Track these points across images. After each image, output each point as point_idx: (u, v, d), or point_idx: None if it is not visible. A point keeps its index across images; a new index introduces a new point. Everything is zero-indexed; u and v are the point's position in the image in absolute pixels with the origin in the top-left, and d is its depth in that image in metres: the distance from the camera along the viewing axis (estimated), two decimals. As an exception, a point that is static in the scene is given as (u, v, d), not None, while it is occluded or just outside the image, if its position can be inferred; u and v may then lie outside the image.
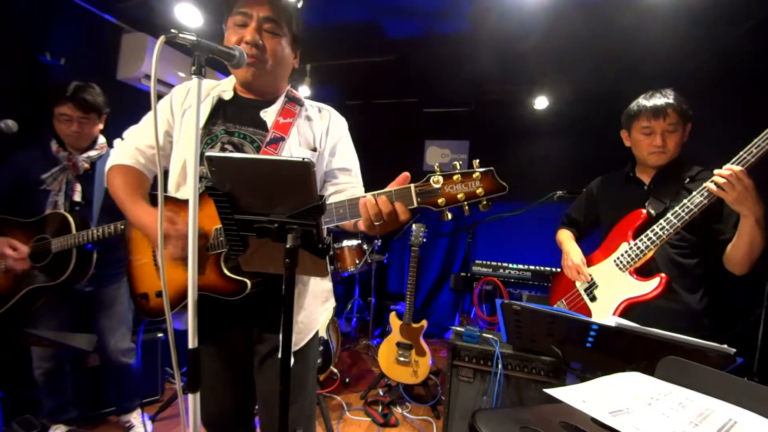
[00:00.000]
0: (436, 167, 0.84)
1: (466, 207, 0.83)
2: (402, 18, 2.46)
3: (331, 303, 1.24)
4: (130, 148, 1.13)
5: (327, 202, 0.90)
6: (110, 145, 1.94)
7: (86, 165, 1.84)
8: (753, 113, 2.06)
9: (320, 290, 1.18)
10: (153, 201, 1.11)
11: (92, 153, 1.86)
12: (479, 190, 0.81)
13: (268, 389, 1.11)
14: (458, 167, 0.83)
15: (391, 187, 0.85)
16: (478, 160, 0.83)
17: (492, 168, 0.81)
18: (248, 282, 0.98)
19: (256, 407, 1.19)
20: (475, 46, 2.60)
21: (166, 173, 1.11)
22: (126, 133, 1.18)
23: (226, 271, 0.98)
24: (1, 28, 2.00)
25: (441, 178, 0.82)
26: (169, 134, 1.12)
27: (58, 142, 1.83)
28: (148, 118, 1.16)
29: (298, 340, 1.11)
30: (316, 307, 1.17)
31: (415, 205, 0.84)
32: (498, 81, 3.29)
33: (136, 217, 1.05)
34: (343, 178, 1.15)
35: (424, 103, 3.91)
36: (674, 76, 2.56)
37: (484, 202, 0.82)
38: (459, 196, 0.82)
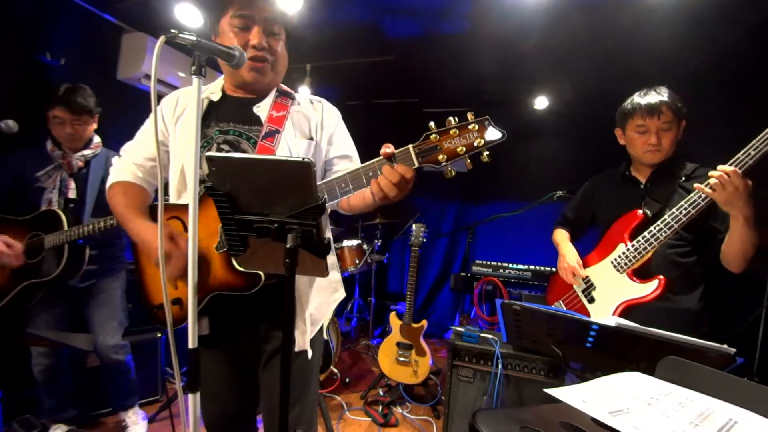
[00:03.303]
0: (431, 125, 0.83)
1: (468, 161, 0.83)
2: (402, 18, 2.46)
3: (341, 294, 1.24)
4: (128, 164, 1.15)
5: (329, 178, 0.91)
6: (105, 144, 1.97)
7: (80, 163, 1.87)
8: (753, 113, 2.06)
9: (328, 281, 1.18)
10: (153, 213, 1.11)
11: (86, 152, 1.89)
12: (478, 141, 0.80)
13: (274, 387, 1.10)
14: (453, 122, 0.82)
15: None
16: (472, 112, 0.82)
17: (488, 117, 0.81)
18: (262, 274, 0.98)
19: (259, 407, 1.19)
20: (475, 46, 2.60)
21: (166, 185, 1.12)
22: (123, 150, 1.19)
23: (238, 267, 0.98)
24: (1, 28, 2.00)
25: (438, 135, 0.82)
26: (164, 144, 1.12)
27: (54, 141, 1.86)
28: (141, 132, 1.18)
29: (311, 331, 1.11)
30: (325, 298, 1.17)
31: (416, 165, 0.83)
32: (498, 81, 3.29)
33: (135, 232, 1.06)
34: (343, 165, 1.15)
35: (424, 103, 3.91)
36: (674, 76, 2.56)
37: (485, 153, 0.81)
38: (459, 149, 0.81)
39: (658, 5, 2.04)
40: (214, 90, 1.13)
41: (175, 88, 2.66)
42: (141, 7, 2.34)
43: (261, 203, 0.75)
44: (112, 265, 2.00)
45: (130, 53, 2.57)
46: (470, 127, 0.81)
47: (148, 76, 2.56)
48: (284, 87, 1.18)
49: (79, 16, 2.33)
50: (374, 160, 0.87)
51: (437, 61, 2.98)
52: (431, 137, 0.82)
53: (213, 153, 0.90)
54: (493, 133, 0.80)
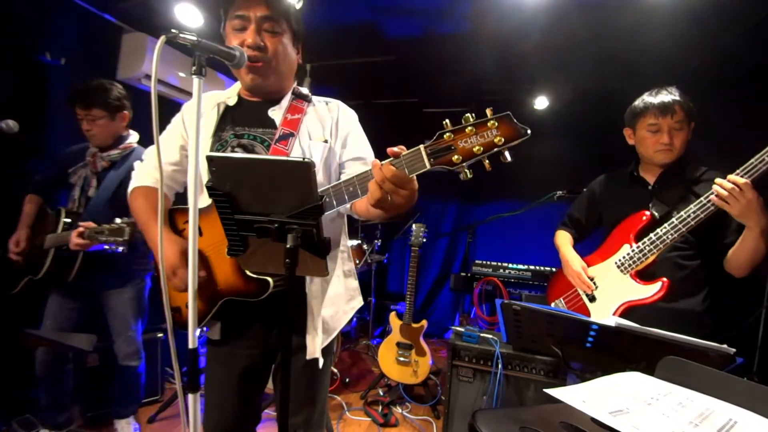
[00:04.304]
0: (446, 123, 0.76)
1: (486, 162, 0.76)
2: (402, 18, 2.46)
3: (358, 302, 1.23)
4: (150, 168, 1.16)
5: (336, 181, 0.88)
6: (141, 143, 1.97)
7: (105, 163, 1.87)
8: (753, 113, 2.06)
9: (344, 288, 1.17)
10: (171, 218, 1.13)
11: (113, 152, 1.88)
12: (498, 139, 0.72)
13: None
14: (471, 119, 0.75)
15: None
16: (491, 108, 0.74)
17: (509, 112, 0.73)
18: (270, 281, 0.97)
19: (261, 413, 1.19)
20: (475, 46, 2.60)
21: (185, 193, 1.14)
22: (145, 154, 1.22)
23: (247, 272, 0.98)
24: (1, 28, 2.00)
25: (452, 134, 0.74)
26: (184, 149, 1.14)
27: None
28: (162, 137, 1.18)
29: (323, 340, 1.10)
30: (341, 306, 1.16)
31: (428, 167, 0.76)
32: (498, 81, 3.29)
33: (152, 242, 1.07)
34: (357, 167, 1.13)
35: (424, 103, 3.91)
36: (674, 76, 2.56)
37: (506, 152, 0.74)
38: (476, 149, 0.73)
39: (658, 5, 2.04)
40: (230, 95, 1.14)
41: (175, 88, 2.67)
42: (141, 7, 2.34)
43: (261, 203, 0.76)
44: (122, 274, 1.94)
45: (130, 53, 2.57)
46: (489, 124, 0.72)
47: (148, 76, 2.56)
48: (300, 89, 1.17)
49: (79, 16, 2.32)
50: (383, 162, 0.80)
51: (437, 61, 2.97)
52: (445, 136, 0.74)
53: (213, 153, 0.90)
54: (514, 131, 0.73)
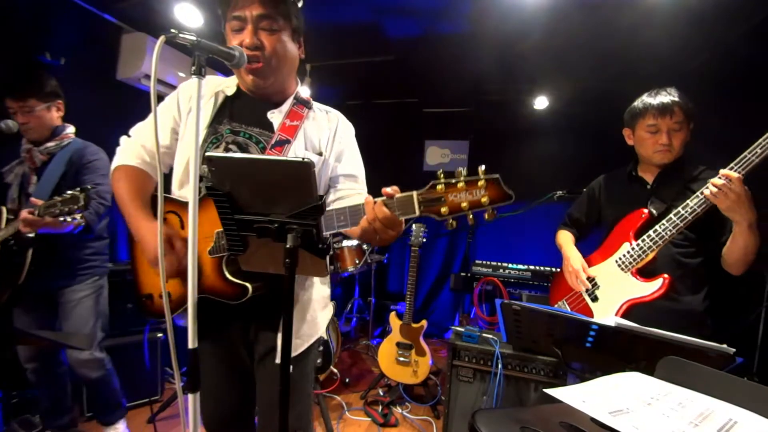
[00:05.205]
0: (439, 173, 0.81)
1: (470, 216, 0.80)
2: (402, 18, 2.46)
3: (330, 309, 1.23)
4: (136, 146, 1.12)
5: (328, 209, 0.88)
6: (105, 146, 1.85)
7: (43, 157, 1.75)
8: (753, 113, 2.06)
9: (320, 297, 1.18)
10: (154, 203, 1.09)
11: (50, 144, 1.76)
12: (484, 199, 0.77)
13: (264, 390, 1.10)
14: (462, 173, 0.79)
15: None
16: (483, 166, 0.78)
17: (498, 175, 0.77)
18: (249, 286, 0.98)
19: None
20: (475, 46, 2.60)
21: (169, 175, 1.11)
22: (132, 131, 1.17)
23: (227, 275, 0.98)
24: (1, 28, 2.00)
25: (444, 186, 0.79)
26: (175, 131, 1.11)
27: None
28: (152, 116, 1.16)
29: (297, 346, 1.10)
30: (316, 314, 1.16)
31: (417, 213, 0.81)
32: (498, 81, 3.29)
33: (135, 229, 1.04)
34: (348, 185, 1.13)
35: (424, 103, 3.91)
36: (674, 76, 2.56)
37: (490, 211, 0.78)
38: (463, 205, 0.78)
39: (658, 5, 2.04)
40: (230, 84, 1.12)
41: (174, 88, 2.67)
42: (141, 7, 2.34)
43: (261, 203, 0.75)
44: (78, 270, 1.81)
45: (129, 53, 2.57)
46: (479, 183, 0.77)
47: (147, 76, 2.56)
48: (303, 95, 1.15)
49: (79, 16, 2.33)
50: (376, 199, 0.84)
51: (437, 61, 2.98)
52: (437, 187, 0.79)
53: (213, 153, 0.89)
54: (500, 193, 0.77)
